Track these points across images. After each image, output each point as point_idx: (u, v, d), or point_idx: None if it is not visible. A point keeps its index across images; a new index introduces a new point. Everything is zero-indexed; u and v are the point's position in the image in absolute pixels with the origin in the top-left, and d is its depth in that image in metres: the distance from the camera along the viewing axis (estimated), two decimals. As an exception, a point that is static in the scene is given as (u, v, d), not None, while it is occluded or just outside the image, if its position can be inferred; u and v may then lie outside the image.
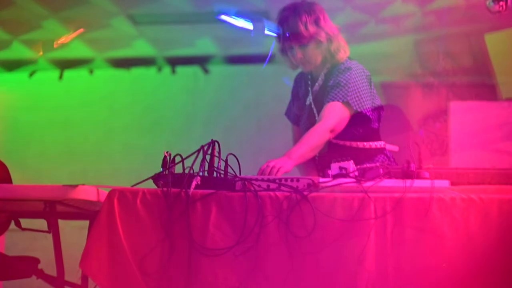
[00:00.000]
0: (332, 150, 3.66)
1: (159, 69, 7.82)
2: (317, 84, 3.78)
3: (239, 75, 7.66)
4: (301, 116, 3.88)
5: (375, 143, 3.75)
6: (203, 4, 6.65)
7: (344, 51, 3.69)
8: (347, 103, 3.60)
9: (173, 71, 7.81)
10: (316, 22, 3.61)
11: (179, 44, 7.50)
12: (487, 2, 3.87)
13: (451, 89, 6.82)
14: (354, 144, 3.71)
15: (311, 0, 3.72)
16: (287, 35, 3.59)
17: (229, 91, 7.64)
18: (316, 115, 3.74)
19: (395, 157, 3.78)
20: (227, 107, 7.56)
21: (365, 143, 3.73)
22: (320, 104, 3.69)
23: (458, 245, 2.80)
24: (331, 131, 3.57)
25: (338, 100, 3.58)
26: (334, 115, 3.57)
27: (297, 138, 3.90)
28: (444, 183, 2.92)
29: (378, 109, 3.75)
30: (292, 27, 3.59)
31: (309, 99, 3.82)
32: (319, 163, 3.73)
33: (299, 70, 3.90)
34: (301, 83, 3.90)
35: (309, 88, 3.82)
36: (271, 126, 7.16)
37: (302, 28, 3.57)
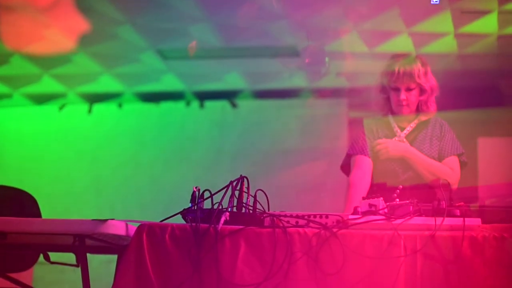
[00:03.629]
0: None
1: (188, 103, 7.88)
2: (407, 129, 4.06)
3: (267, 109, 7.69)
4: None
5: None
6: (231, 39, 6.70)
7: (435, 107, 4.08)
8: (460, 154, 4.02)
9: (202, 105, 7.86)
10: (426, 74, 3.98)
11: (207, 79, 7.56)
12: None
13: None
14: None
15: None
16: (401, 76, 3.92)
17: (257, 125, 7.66)
18: None
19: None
20: (255, 141, 7.58)
21: None
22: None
23: (490, 285, 2.76)
24: (453, 184, 3.84)
25: (455, 154, 4.00)
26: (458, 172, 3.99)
27: (364, 165, 4.04)
28: (476, 221, 2.89)
29: None
30: (407, 71, 3.93)
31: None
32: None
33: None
34: (379, 128, 4.11)
35: (397, 131, 4.07)
36: (299, 160, 7.16)
37: (416, 74, 3.93)
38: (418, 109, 4.04)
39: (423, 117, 4.05)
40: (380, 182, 3.98)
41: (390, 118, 4.09)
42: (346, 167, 4.13)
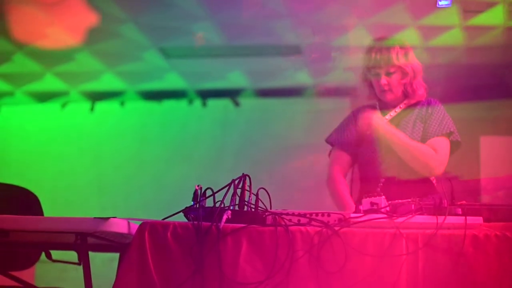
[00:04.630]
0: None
1: (190, 101, 7.88)
2: (390, 113, 3.94)
3: (270, 108, 7.69)
4: (361, 144, 3.98)
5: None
6: (234, 37, 6.69)
7: (424, 89, 3.93)
8: (449, 134, 3.83)
9: (204, 104, 7.86)
10: (406, 56, 3.85)
11: (210, 77, 7.56)
12: None
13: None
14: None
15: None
16: (378, 61, 3.83)
17: (259, 124, 7.66)
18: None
19: None
20: (257, 140, 7.57)
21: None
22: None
23: (491, 283, 2.76)
24: (436, 167, 3.75)
25: (441, 134, 3.82)
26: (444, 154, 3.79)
27: (344, 162, 3.99)
28: (478, 220, 2.89)
29: None
30: (384, 55, 3.83)
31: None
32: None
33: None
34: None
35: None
36: (301, 159, 7.16)
37: (394, 57, 3.81)
38: (405, 94, 3.92)
39: (411, 101, 3.93)
40: (362, 172, 3.95)
41: (376, 105, 3.99)
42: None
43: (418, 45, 6.46)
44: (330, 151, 4.11)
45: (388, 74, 3.83)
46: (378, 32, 6.31)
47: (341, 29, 6.29)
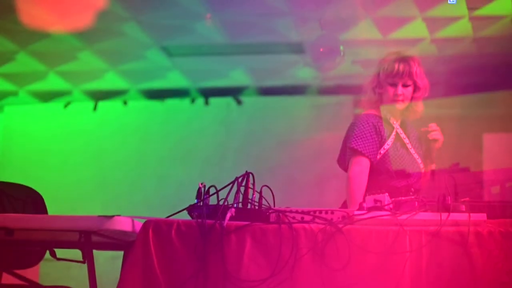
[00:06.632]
0: None
1: (193, 100, 7.88)
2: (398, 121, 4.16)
3: (272, 106, 7.68)
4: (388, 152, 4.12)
5: None
6: (236, 36, 6.69)
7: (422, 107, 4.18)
8: None
9: (207, 102, 7.86)
10: (421, 73, 4.07)
11: (212, 76, 7.55)
12: None
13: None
14: None
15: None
16: (399, 71, 4.04)
17: (261, 122, 7.66)
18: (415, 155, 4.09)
19: None
20: (259, 138, 7.57)
21: None
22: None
23: (495, 280, 2.77)
24: None
25: None
26: None
27: (367, 169, 4.05)
28: (481, 216, 2.89)
29: None
30: (406, 67, 4.04)
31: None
32: None
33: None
34: (379, 123, 4.14)
35: (393, 122, 4.14)
36: (304, 156, 7.16)
37: (414, 71, 4.02)
38: (408, 107, 4.13)
39: (411, 116, 4.15)
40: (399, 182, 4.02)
41: (384, 111, 4.14)
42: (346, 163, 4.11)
43: (426, 37, 6.42)
44: (353, 157, 4.10)
45: (405, 85, 4.03)
46: (386, 25, 6.27)
47: (349, 22, 6.24)
